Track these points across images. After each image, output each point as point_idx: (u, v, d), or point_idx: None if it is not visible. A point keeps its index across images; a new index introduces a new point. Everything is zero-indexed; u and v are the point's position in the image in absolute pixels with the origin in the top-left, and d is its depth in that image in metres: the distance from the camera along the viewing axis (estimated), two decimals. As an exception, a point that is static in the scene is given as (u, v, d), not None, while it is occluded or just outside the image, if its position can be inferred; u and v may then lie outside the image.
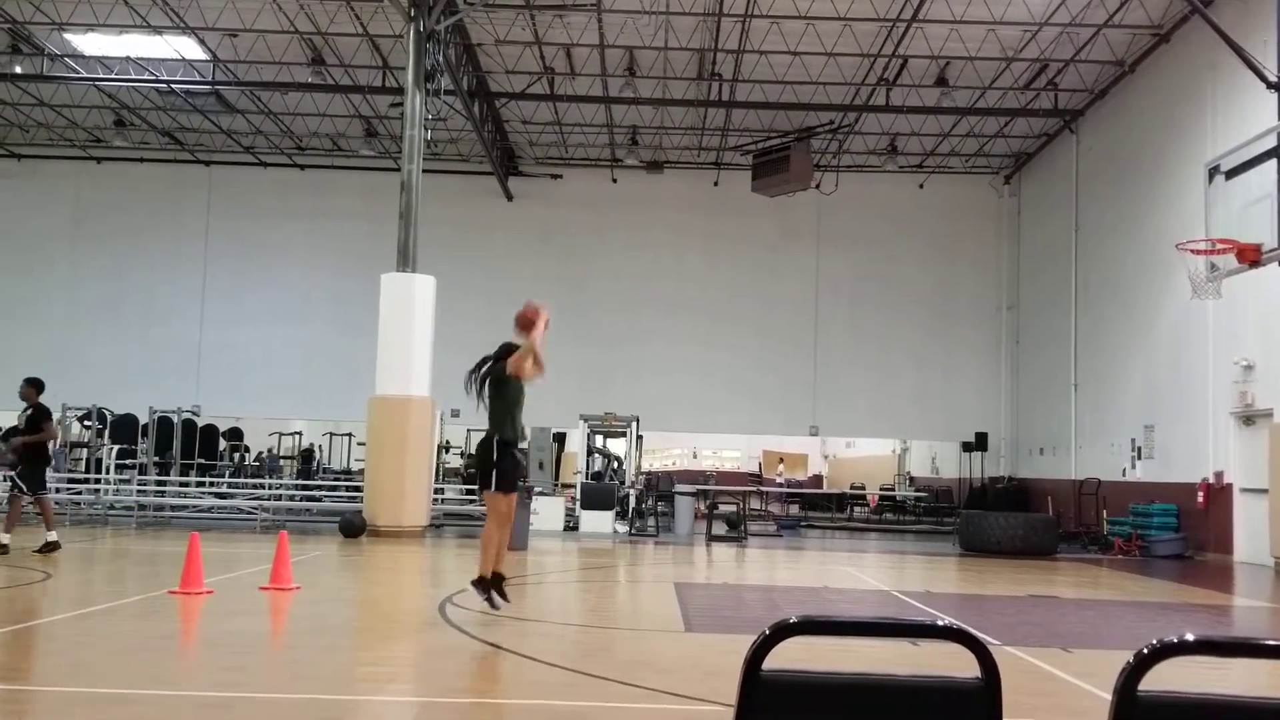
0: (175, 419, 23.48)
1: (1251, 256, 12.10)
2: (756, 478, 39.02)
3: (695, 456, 47.10)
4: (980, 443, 29.14)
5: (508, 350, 8.97)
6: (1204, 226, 13.45)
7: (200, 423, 25.06)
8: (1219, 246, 12.54)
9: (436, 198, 24.08)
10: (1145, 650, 1.83)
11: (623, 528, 20.75)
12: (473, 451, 29.01)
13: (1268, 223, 12.06)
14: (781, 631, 1.95)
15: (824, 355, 29.57)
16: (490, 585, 8.83)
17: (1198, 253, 12.95)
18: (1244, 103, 16.80)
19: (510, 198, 29.88)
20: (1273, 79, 13.00)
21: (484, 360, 9.07)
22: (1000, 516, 19.59)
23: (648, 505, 22.30)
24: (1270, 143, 12.39)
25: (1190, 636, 1.84)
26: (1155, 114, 21.26)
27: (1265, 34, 14.85)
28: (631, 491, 22.00)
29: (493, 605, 8.84)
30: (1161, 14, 20.34)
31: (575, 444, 25.78)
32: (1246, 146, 12.94)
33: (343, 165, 30.04)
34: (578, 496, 21.77)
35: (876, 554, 19.05)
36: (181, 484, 22.62)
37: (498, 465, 8.72)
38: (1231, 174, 13.03)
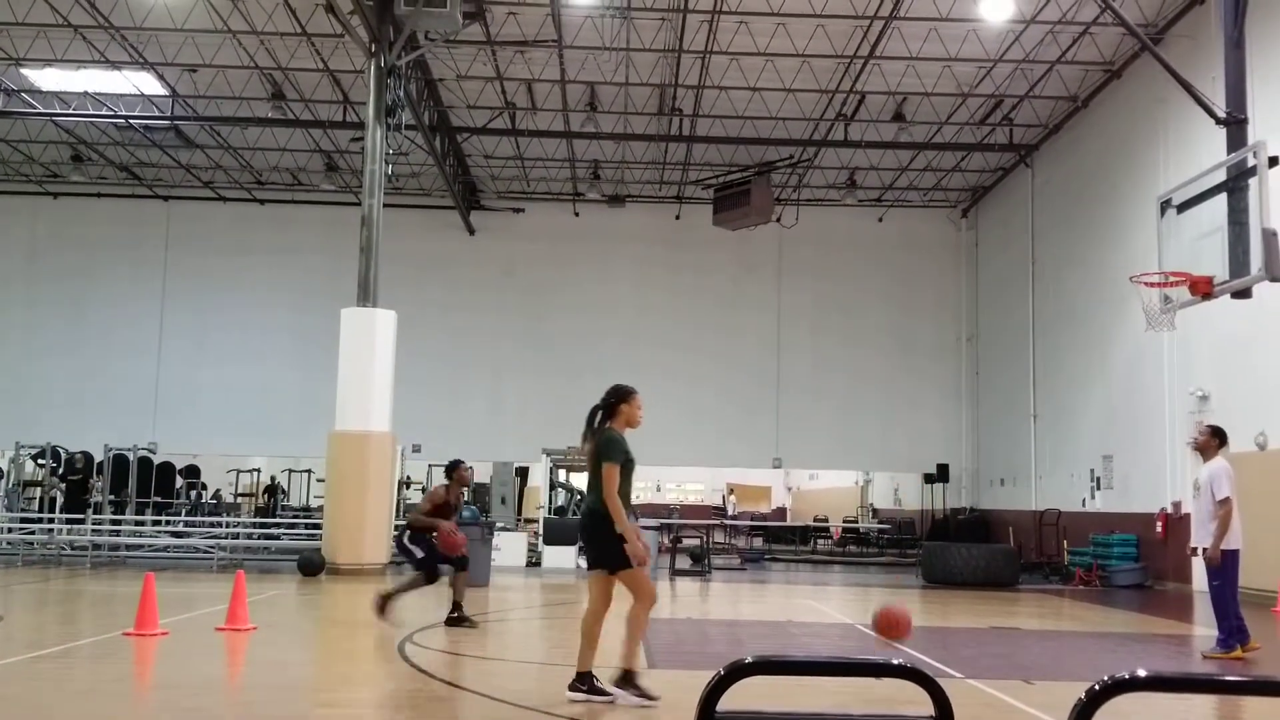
0: (131, 456, 23.13)
1: (1204, 289, 12.25)
2: (720, 511, 38.99)
3: (659, 490, 47.00)
4: (942, 474, 29.31)
5: (618, 396, 7.52)
6: (1157, 259, 13.61)
7: (157, 460, 24.68)
8: (1172, 279, 12.68)
9: (398, 232, 24.02)
10: (1096, 686, 1.83)
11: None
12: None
13: (1219, 255, 12.22)
14: (736, 672, 1.94)
15: (786, 388, 29.66)
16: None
17: (1151, 285, 13.10)
18: (1194, 137, 17.11)
19: (472, 232, 29.86)
20: (1221, 114, 13.22)
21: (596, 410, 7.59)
22: (962, 548, 19.67)
23: (611, 540, 22.13)
24: (1220, 176, 12.58)
25: (1141, 672, 1.84)
26: (1108, 148, 21.61)
27: (1213, 70, 15.12)
28: (595, 526, 21.82)
29: None
30: (1113, 51, 20.73)
31: (538, 478, 25.64)
32: (1197, 180, 13.13)
33: (303, 200, 29.90)
34: (540, 532, 21.63)
35: (840, 587, 19.04)
36: (137, 523, 22.24)
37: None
38: (1183, 207, 13.20)
